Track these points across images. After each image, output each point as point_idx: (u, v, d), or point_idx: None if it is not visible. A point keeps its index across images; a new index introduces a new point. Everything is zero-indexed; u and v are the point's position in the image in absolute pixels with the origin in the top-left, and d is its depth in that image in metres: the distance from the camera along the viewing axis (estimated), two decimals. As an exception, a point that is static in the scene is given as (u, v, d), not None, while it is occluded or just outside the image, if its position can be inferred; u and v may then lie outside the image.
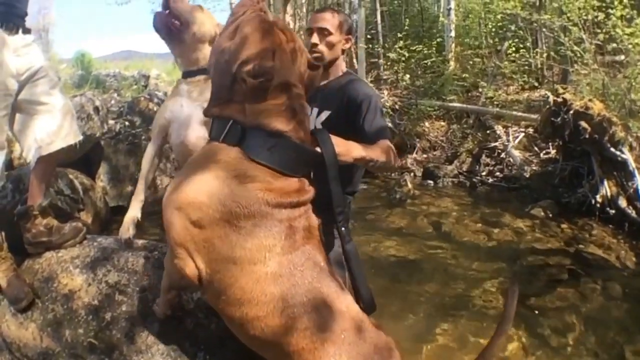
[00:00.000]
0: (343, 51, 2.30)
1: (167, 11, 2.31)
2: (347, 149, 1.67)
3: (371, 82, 8.84)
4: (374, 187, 7.01)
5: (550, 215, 4.92)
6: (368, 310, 1.60)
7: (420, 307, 3.17)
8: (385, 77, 8.98)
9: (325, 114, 2.20)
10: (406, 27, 8.96)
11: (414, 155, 7.73)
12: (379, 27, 9.53)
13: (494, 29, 7.68)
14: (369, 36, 9.68)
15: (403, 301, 3.22)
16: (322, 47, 2.21)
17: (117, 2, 10.95)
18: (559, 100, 4.69)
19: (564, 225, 4.59)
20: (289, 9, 8.71)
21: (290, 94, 1.52)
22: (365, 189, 6.97)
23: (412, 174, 7.30)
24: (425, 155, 7.73)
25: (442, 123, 7.95)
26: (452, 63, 8.39)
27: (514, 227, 4.71)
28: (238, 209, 1.39)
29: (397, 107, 8.07)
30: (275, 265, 1.38)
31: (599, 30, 5.22)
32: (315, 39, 2.22)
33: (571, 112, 4.53)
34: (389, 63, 8.87)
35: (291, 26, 9.13)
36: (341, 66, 2.31)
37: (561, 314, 3.08)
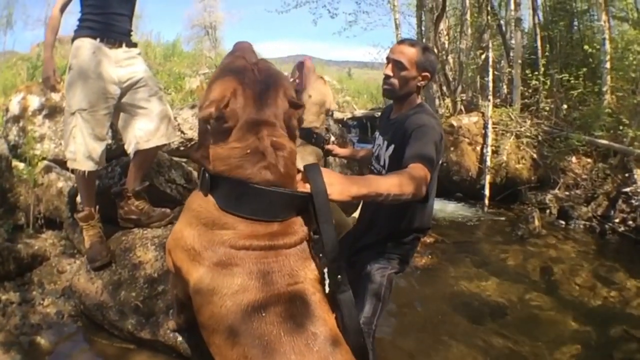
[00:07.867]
0: (418, 87, 2.18)
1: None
2: (343, 188, 1.44)
3: (521, 109, 8.26)
4: (504, 219, 6.62)
5: (669, 280, 4.23)
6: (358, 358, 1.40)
7: (483, 355, 3.04)
8: (536, 105, 8.34)
9: (391, 147, 2.13)
10: (564, 55, 8.24)
11: (556, 191, 7.09)
12: (539, 52, 8.91)
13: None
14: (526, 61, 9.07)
15: (469, 345, 3.13)
16: (394, 80, 2.14)
17: (277, 10, 11.35)
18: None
19: (677, 296, 3.96)
20: (442, 26, 8.43)
21: (259, 134, 1.40)
22: (495, 220, 6.69)
23: (547, 211, 6.76)
24: (567, 193, 7.04)
25: (589, 160, 7.17)
26: (607, 96, 7.52)
27: (624, 287, 4.16)
28: (202, 250, 1.42)
29: (540, 137, 7.46)
30: (230, 302, 1.34)
31: None
32: (388, 70, 2.15)
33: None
34: (545, 90, 8.22)
35: (446, 45, 8.81)
36: (415, 101, 2.21)
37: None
